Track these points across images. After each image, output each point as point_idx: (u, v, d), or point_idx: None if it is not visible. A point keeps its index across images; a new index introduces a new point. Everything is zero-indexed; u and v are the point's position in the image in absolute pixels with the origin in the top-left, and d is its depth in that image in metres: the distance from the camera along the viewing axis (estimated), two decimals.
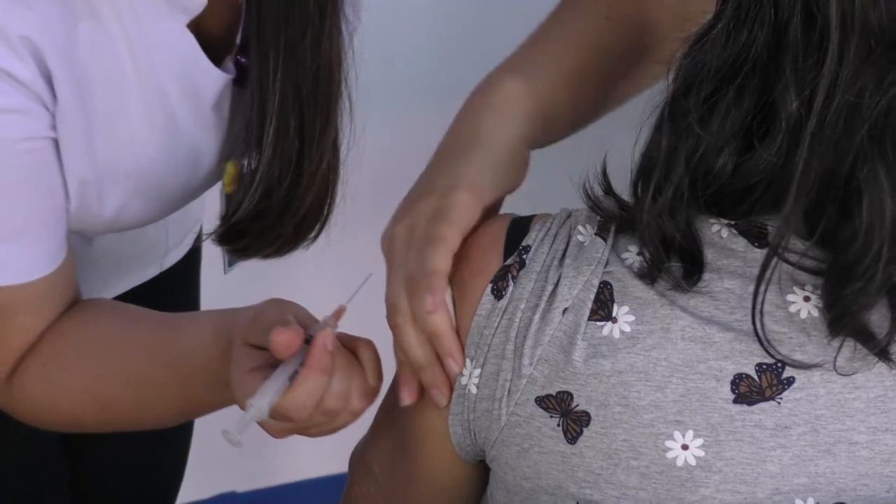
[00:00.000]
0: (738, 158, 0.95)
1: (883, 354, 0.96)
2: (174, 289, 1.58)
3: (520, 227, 1.07)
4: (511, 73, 1.16)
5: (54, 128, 1.15)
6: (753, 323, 0.96)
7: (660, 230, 0.98)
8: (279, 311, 1.12)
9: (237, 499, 2.36)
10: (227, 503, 2.33)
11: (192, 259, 1.62)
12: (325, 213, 1.27)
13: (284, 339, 1.07)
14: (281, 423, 1.10)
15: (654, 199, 0.98)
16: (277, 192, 1.23)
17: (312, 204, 1.25)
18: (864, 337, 0.96)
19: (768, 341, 0.96)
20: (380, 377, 1.12)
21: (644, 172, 0.99)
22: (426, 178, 1.13)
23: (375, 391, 1.12)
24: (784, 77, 0.93)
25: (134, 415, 1.24)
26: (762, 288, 0.96)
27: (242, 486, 2.37)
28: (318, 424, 1.11)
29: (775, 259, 0.96)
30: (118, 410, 1.23)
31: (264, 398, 1.07)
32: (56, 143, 1.16)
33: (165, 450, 1.64)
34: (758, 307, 0.96)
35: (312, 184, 1.24)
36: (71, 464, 1.57)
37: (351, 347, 1.13)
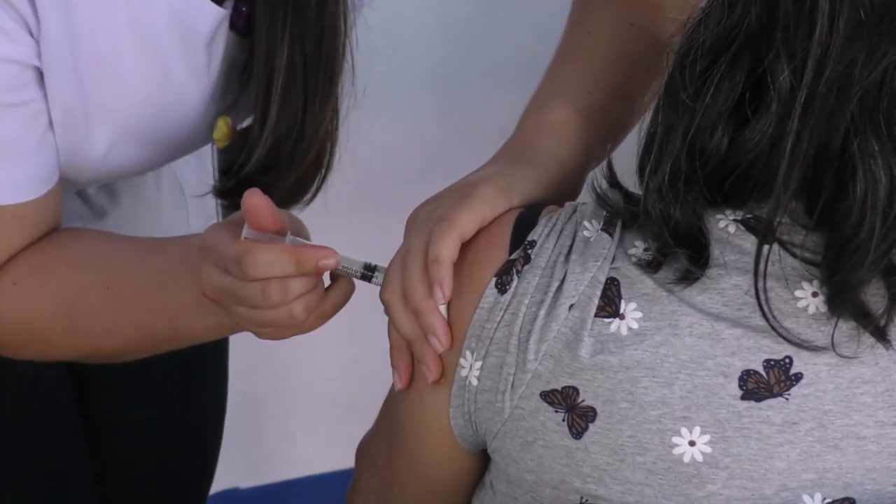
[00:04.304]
0: (733, 133, 0.95)
1: (880, 335, 0.96)
2: None
3: (526, 221, 1.07)
4: (556, 97, 1.16)
5: (39, 57, 1.15)
6: (758, 297, 0.96)
7: (662, 212, 0.98)
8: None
9: (241, 494, 2.36)
10: (230, 499, 2.33)
11: None
12: (324, 171, 1.30)
13: (257, 201, 1.07)
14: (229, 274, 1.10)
15: (653, 173, 0.98)
16: (285, 146, 1.26)
17: (313, 160, 1.28)
18: (862, 315, 0.95)
19: (773, 316, 0.96)
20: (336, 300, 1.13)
21: (646, 150, 0.99)
22: (465, 176, 1.13)
23: (314, 306, 1.12)
24: (775, 47, 0.93)
25: (109, 330, 1.23)
26: (762, 265, 0.96)
27: (246, 482, 2.37)
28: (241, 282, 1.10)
29: (777, 247, 0.96)
30: (93, 323, 1.23)
31: (253, 232, 1.08)
32: (40, 74, 1.16)
33: (194, 444, 1.64)
34: (760, 277, 0.96)
35: (315, 139, 1.27)
36: (94, 464, 1.57)
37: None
